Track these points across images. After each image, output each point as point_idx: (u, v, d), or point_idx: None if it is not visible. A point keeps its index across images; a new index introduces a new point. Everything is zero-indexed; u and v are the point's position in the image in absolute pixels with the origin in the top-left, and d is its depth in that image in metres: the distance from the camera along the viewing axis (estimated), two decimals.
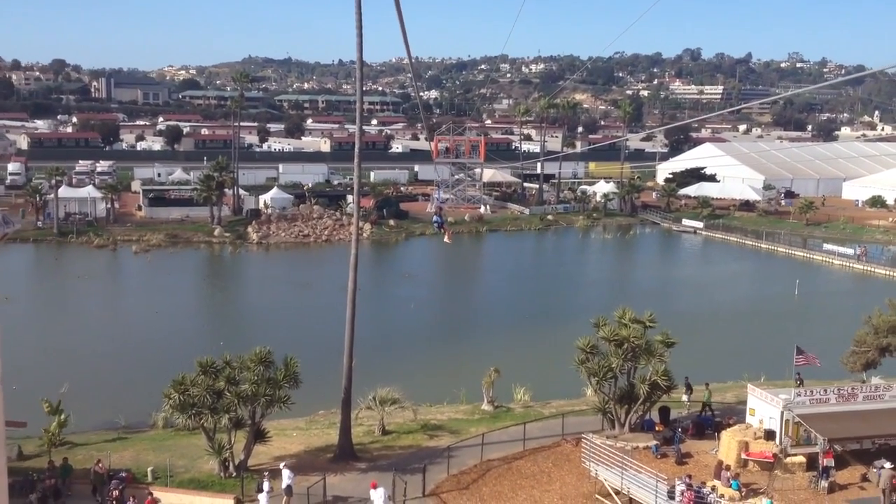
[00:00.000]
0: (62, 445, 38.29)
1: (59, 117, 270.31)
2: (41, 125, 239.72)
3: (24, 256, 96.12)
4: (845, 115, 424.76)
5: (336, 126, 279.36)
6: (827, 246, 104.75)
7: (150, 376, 47.37)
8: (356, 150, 39.59)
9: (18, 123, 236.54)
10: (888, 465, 32.75)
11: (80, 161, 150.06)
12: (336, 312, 48.31)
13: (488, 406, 45.62)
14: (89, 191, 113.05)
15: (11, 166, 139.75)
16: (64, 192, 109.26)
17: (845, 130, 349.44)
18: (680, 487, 31.40)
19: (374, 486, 31.92)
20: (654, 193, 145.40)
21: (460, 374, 51.10)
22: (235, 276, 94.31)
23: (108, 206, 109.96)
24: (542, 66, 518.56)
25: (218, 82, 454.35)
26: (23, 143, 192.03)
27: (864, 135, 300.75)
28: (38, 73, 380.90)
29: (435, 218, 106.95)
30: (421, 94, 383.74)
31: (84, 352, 59.08)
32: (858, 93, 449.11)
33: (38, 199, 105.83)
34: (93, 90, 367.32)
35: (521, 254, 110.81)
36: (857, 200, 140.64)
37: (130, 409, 44.58)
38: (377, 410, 40.86)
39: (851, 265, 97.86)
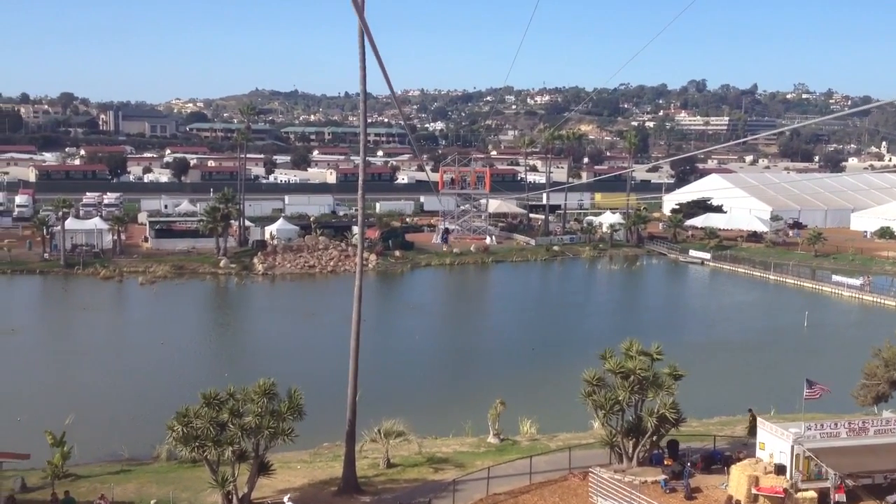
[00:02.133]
0: (65, 477, 38.01)
1: (66, 150, 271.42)
2: (49, 158, 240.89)
3: (31, 288, 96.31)
4: (852, 145, 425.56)
5: (342, 157, 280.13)
6: (836, 277, 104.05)
7: (153, 408, 47.17)
8: (360, 181, 39.46)
9: (27, 156, 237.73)
10: None
11: (88, 193, 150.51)
12: (341, 343, 48.05)
13: (494, 439, 45.18)
14: (96, 222, 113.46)
15: (19, 198, 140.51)
16: (71, 223, 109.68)
17: (852, 161, 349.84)
18: None
19: None
20: (660, 224, 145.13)
21: (466, 407, 50.68)
22: (241, 307, 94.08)
23: (115, 237, 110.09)
24: (546, 97, 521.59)
25: (225, 115, 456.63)
26: (31, 175, 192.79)
27: (871, 165, 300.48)
28: (46, 107, 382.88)
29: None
30: (426, 125, 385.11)
31: (89, 383, 58.93)
32: (865, 123, 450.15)
33: (45, 230, 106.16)
34: (100, 123, 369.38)
35: (528, 284, 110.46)
36: (866, 232, 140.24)
37: (134, 440, 44.27)
38: (382, 443, 40.50)
39: (861, 297, 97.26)
